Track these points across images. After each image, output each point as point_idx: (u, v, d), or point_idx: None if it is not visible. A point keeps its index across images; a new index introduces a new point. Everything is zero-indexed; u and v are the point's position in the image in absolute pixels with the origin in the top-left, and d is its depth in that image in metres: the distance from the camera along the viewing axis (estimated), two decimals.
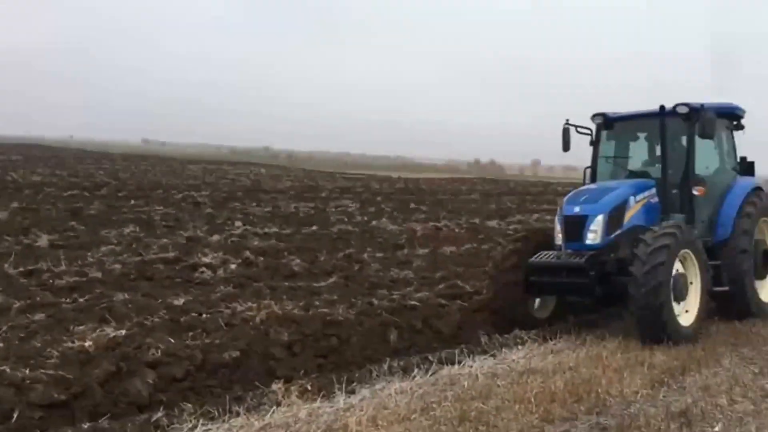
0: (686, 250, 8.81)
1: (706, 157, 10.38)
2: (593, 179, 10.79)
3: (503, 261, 9.66)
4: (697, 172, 10.00)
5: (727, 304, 9.93)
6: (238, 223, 18.83)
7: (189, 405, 6.10)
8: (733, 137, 10.93)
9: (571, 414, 5.96)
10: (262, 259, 13.30)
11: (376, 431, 5.57)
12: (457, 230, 20.29)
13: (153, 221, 18.46)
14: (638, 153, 11.03)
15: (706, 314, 9.07)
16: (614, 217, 9.19)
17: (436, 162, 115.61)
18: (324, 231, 18.60)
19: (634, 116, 10.67)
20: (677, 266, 8.68)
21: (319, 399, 6.40)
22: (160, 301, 9.37)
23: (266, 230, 17.80)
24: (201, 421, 5.77)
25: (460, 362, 7.67)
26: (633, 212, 9.39)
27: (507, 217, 24.75)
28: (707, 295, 9.02)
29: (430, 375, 7.20)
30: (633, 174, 10.45)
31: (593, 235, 9.09)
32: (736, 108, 10.85)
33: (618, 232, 9.20)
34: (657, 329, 8.28)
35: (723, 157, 10.78)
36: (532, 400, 6.30)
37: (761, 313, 10.13)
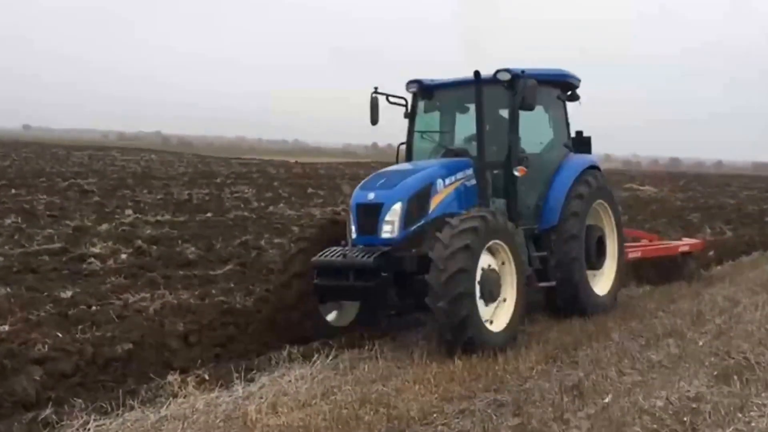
0: (497, 241, 7.53)
1: (534, 133, 9.21)
2: (408, 158, 9.36)
3: (290, 261, 8.09)
4: (523, 149, 8.84)
5: (555, 298, 9.01)
6: (128, 211, 18.21)
7: (79, 401, 5.85)
8: (565, 109, 9.68)
9: (470, 392, 6.06)
10: (155, 247, 12.94)
11: (276, 418, 5.50)
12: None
13: (36, 211, 17.61)
14: (460, 127, 9.51)
15: (523, 316, 7.94)
16: (416, 204, 7.78)
17: (333, 146, 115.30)
18: (219, 218, 18.29)
19: (455, 84, 9.14)
20: (488, 260, 7.48)
21: (217, 389, 6.27)
22: (46, 294, 8.98)
23: (159, 218, 17.31)
24: (93, 416, 5.54)
25: (361, 346, 7.68)
26: (441, 198, 8.00)
27: None
28: (525, 295, 7.82)
29: (331, 360, 7.18)
30: (451, 152, 8.98)
31: (389, 228, 7.65)
32: (568, 75, 9.61)
33: (421, 222, 7.80)
34: (460, 344, 7.04)
35: (553, 132, 9.59)
36: (432, 380, 6.39)
37: (596, 308, 9.04)
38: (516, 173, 8.46)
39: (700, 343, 7.58)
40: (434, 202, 7.95)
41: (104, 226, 15.25)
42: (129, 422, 5.52)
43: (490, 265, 7.50)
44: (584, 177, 9.24)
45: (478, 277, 7.24)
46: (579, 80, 9.74)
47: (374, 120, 9.20)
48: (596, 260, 9.39)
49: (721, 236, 18.27)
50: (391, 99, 9.27)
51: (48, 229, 14.59)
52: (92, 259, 11.41)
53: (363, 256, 7.43)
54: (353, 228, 7.91)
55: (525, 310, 7.91)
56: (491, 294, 7.47)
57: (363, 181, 8.25)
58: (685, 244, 12.49)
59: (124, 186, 26.04)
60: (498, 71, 8.49)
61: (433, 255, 7.06)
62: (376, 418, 5.47)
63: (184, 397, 6.01)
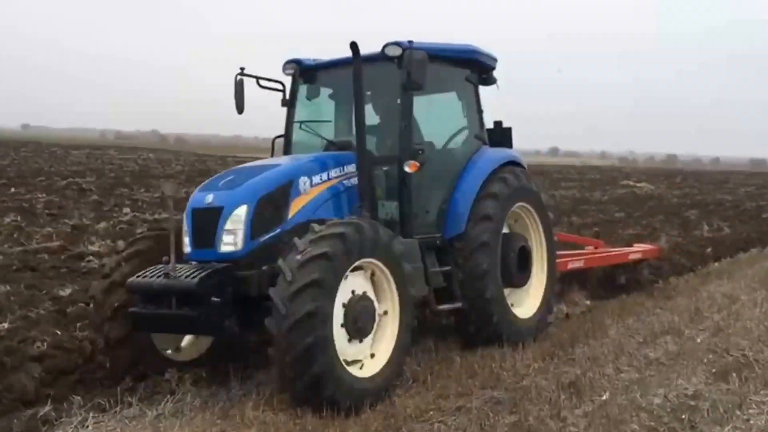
0: (369, 260, 5.92)
1: (436, 122, 7.88)
2: (287, 153, 7.95)
3: (108, 283, 6.33)
4: (424, 141, 7.41)
5: (464, 322, 7.45)
6: (126, 210, 18.19)
7: (78, 398, 5.85)
8: (477, 95, 8.03)
9: (466, 389, 6.08)
10: None
11: (273, 415, 5.52)
12: None
13: (35, 209, 17.56)
14: (347, 115, 7.75)
15: (403, 359, 6.21)
16: (269, 208, 6.19)
17: None
18: None
19: (341, 63, 7.47)
20: (358, 284, 5.90)
21: (214, 386, 6.28)
22: (45, 292, 8.97)
23: (156, 216, 17.27)
24: (92, 413, 5.55)
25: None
26: (307, 200, 6.44)
27: None
28: (409, 324, 6.21)
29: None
30: (333, 146, 7.47)
31: (230, 238, 6.03)
32: (478, 52, 7.88)
33: (276, 231, 6.19)
34: (317, 404, 5.48)
35: (460, 121, 8.00)
36: (428, 378, 6.42)
37: (518, 334, 7.51)
38: (406, 169, 6.84)
39: (698, 341, 7.61)
40: (295, 206, 6.37)
41: (102, 225, 15.23)
42: (127, 419, 5.53)
43: (358, 291, 5.89)
44: (500, 174, 7.71)
45: (339, 312, 5.68)
46: (494, 60, 8.15)
47: (240, 107, 7.70)
48: (517, 275, 7.76)
49: (718, 233, 18.27)
50: (264, 83, 7.73)
51: (47, 227, 14.56)
52: (91, 257, 11.38)
53: (188, 277, 5.73)
54: (187, 240, 6.25)
55: (409, 342, 6.27)
56: (362, 328, 5.88)
57: (207, 180, 6.68)
58: (636, 250, 11.18)
59: (121, 184, 26.01)
60: (387, 45, 6.96)
61: (274, 293, 5.44)
62: (372, 415, 5.49)
63: (182, 394, 6.02)
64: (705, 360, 6.85)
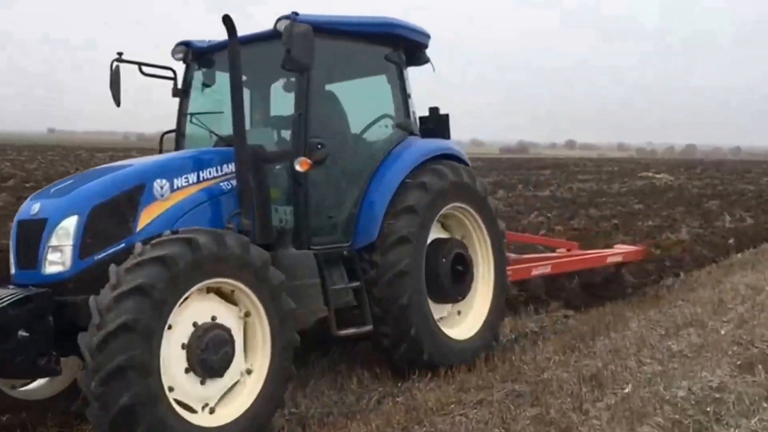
0: (224, 280, 4.81)
1: (346, 109, 6.67)
2: (179, 150, 6.79)
3: None
4: (330, 132, 6.22)
5: (381, 346, 6.36)
6: None
7: None
8: (401, 77, 6.82)
9: (487, 383, 6.03)
10: None
11: None
12: None
13: None
14: (261, 103, 7.03)
15: (284, 389, 5.17)
16: (109, 219, 5.06)
17: None
18: None
19: (241, 42, 5.97)
20: (202, 312, 4.76)
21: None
22: None
23: None
24: None
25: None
26: (163, 209, 5.26)
27: None
28: (288, 356, 5.10)
29: None
30: (223, 140, 6.36)
31: (56, 257, 4.92)
32: (397, 26, 6.69)
33: (119, 246, 5.01)
34: None
35: (377, 108, 6.81)
36: (448, 371, 6.37)
37: (453, 358, 6.46)
38: (297, 167, 5.76)
39: (722, 332, 7.49)
40: (148, 215, 5.18)
41: None
42: None
43: (204, 320, 4.75)
44: (428, 169, 6.55)
45: (178, 356, 4.62)
46: (425, 35, 6.98)
47: (117, 98, 6.56)
48: (452, 289, 6.66)
49: (741, 223, 18.06)
50: (149, 70, 6.66)
51: None
52: None
53: None
54: (12, 258, 5.21)
55: (288, 379, 5.15)
56: (216, 367, 4.74)
57: (45, 187, 5.57)
58: (616, 252, 9.94)
59: None
60: (279, 20, 5.79)
61: (81, 341, 4.39)
62: (394, 408, 5.46)
63: None
64: (729, 352, 6.73)
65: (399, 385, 6.17)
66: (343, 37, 6.32)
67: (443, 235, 6.90)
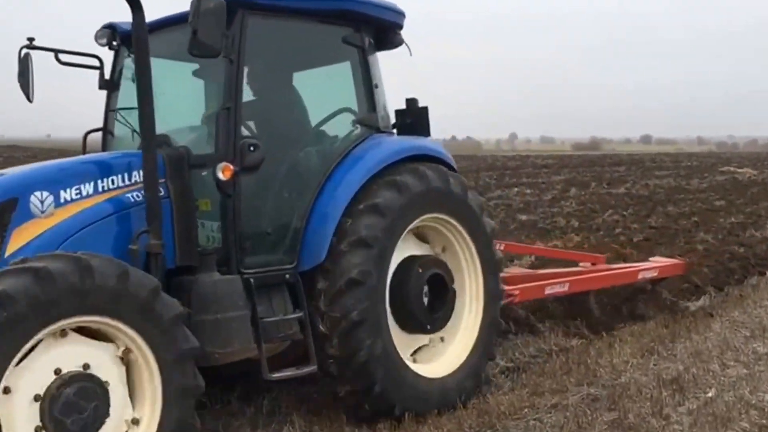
0: (83, 318, 3.89)
1: (297, 103, 5.72)
2: (106, 151, 5.77)
3: None
4: (271, 130, 5.51)
5: (343, 395, 5.25)
6: None
7: None
8: (366, 62, 5.67)
9: (562, 386, 5.89)
10: None
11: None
12: None
13: None
14: (185, 98, 5.91)
15: None
16: None
17: None
18: None
19: (171, 23, 5.35)
20: (70, 357, 3.89)
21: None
22: None
23: None
24: None
25: None
26: (44, 228, 4.34)
27: (486, 193, 24.70)
28: (187, 400, 4.20)
29: None
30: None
31: None
32: (359, 2, 5.54)
33: None
34: None
35: (332, 101, 5.79)
36: (522, 375, 6.27)
37: (420, 402, 5.34)
38: (219, 174, 4.71)
39: None
40: (20, 237, 4.26)
41: None
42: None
43: (69, 369, 3.85)
44: (395, 175, 5.38)
45: (31, 413, 3.72)
46: (397, 13, 5.86)
47: (26, 91, 5.58)
48: (427, 318, 5.56)
49: None
50: (67, 57, 5.66)
51: None
52: None
53: None
54: None
55: None
56: (88, 421, 3.84)
57: None
58: (650, 267, 8.47)
59: None
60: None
61: None
62: (465, 412, 5.39)
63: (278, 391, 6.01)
64: None
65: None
66: (287, 15, 5.23)
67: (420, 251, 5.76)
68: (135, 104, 5.05)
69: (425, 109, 6.26)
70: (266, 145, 5.01)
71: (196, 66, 5.54)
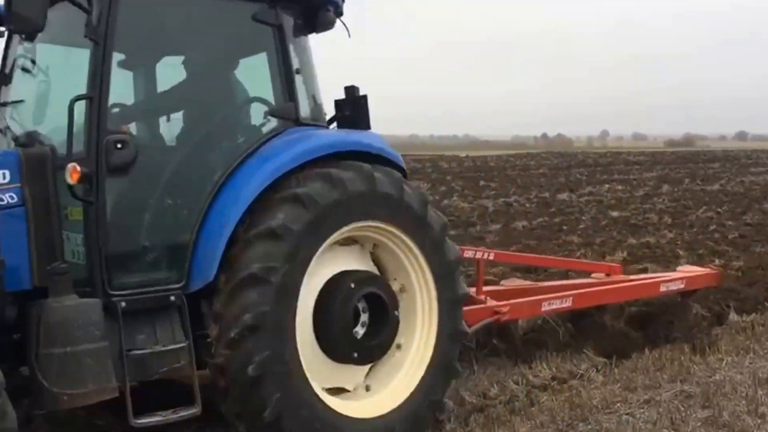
0: None
1: (184, 91, 4.82)
2: None
3: None
4: (152, 122, 4.89)
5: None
6: None
7: None
8: (283, 44, 4.80)
9: (655, 382, 5.91)
10: None
11: None
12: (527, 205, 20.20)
13: None
14: (55, 89, 4.70)
15: None
16: None
17: (502, 139, 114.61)
18: None
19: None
20: None
21: None
22: None
23: None
24: None
25: None
26: None
27: (578, 190, 24.46)
28: None
29: None
30: (17, 141, 4.58)
31: None
32: None
33: None
34: None
35: (243, 89, 4.95)
36: (615, 370, 6.32)
37: None
38: (67, 178, 3.97)
39: None
40: None
41: None
42: None
43: None
44: (313, 174, 4.46)
45: None
46: None
47: None
48: (355, 345, 4.64)
49: None
50: None
51: None
52: None
53: None
54: None
55: None
56: None
57: None
58: (677, 277, 7.48)
59: None
60: None
61: None
62: (557, 404, 5.49)
63: None
64: None
65: (564, 383, 6.16)
66: None
67: (362, 267, 4.90)
68: (25, 95, 4.75)
69: (364, 98, 5.32)
70: (149, 143, 4.52)
71: (84, 51, 4.29)
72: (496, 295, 6.55)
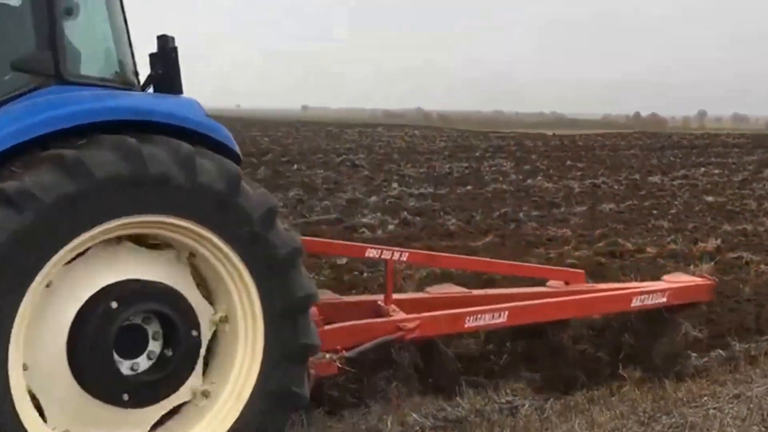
0: None
1: None
2: None
3: None
4: None
5: None
6: (394, 185, 19.18)
7: None
8: None
9: (745, 377, 5.68)
10: (418, 218, 13.57)
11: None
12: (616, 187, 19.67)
13: (315, 184, 19.13)
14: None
15: None
16: None
17: (592, 117, 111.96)
18: (479, 190, 18.58)
19: None
20: None
21: None
22: (324, 260, 9.76)
23: (422, 190, 18.01)
24: None
25: None
26: None
27: (671, 172, 23.65)
28: None
29: None
30: None
31: None
32: None
33: None
34: None
35: None
36: (702, 363, 6.09)
37: None
38: None
39: None
40: None
41: (373, 198, 16.24)
42: None
43: None
44: (45, 159, 3.24)
45: None
46: None
47: None
48: (127, 385, 3.46)
49: None
50: None
51: (325, 200, 15.81)
52: (363, 229, 12.23)
53: None
54: None
55: None
56: None
57: None
58: (655, 289, 5.94)
59: (390, 160, 27.41)
60: None
61: None
62: (640, 396, 5.34)
63: None
64: None
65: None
66: None
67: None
68: None
69: (174, 50, 4.09)
70: None
71: None
72: (409, 306, 5.36)
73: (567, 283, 6.19)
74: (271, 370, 3.78)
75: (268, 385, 3.79)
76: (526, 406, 5.16)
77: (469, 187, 19.06)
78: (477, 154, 32.03)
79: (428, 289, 6.12)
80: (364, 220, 13.08)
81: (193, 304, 3.63)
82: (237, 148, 3.84)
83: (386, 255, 5.51)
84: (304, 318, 3.85)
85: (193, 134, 3.63)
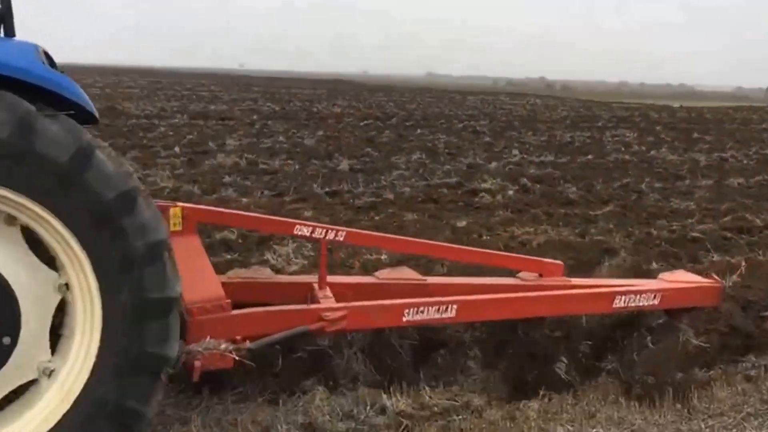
0: None
1: None
2: None
3: None
4: None
5: None
6: (515, 152, 19.32)
7: None
8: None
9: None
10: (538, 186, 13.74)
11: None
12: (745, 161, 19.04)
13: (437, 149, 19.50)
14: None
15: None
16: None
17: (722, 90, 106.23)
18: (600, 160, 18.47)
19: None
20: None
21: None
22: (444, 222, 10.20)
23: (542, 158, 18.10)
24: None
25: None
26: None
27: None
28: None
29: None
30: None
31: None
32: None
33: None
34: None
35: None
36: None
37: None
38: None
39: None
40: None
41: (493, 164, 16.49)
42: None
43: None
44: None
45: None
46: None
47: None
48: None
49: None
50: None
51: (446, 165, 16.20)
52: (483, 194, 12.50)
53: None
54: None
55: None
56: None
57: None
58: (646, 289, 4.93)
59: (511, 128, 27.46)
60: None
61: None
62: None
63: None
64: None
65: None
66: None
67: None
68: None
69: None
70: None
71: None
72: (346, 292, 4.56)
73: (540, 275, 5.25)
74: (107, 378, 3.14)
75: (98, 392, 3.14)
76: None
77: (590, 157, 18.98)
78: (599, 124, 31.52)
79: (377, 273, 5.16)
80: (484, 185, 13.37)
81: (26, 274, 3.02)
82: (92, 107, 3.23)
83: (318, 234, 4.80)
84: (161, 323, 3.19)
85: (35, 89, 2.93)
